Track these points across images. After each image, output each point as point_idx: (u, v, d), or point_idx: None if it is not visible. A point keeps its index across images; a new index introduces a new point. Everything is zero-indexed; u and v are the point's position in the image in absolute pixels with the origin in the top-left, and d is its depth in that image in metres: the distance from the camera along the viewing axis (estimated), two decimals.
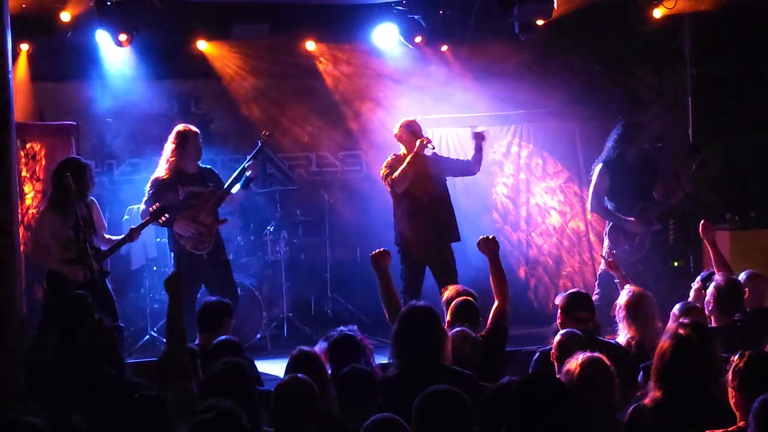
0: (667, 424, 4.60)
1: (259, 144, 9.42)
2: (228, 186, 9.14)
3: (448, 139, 11.28)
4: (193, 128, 9.13)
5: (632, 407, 4.76)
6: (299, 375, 4.98)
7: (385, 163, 9.36)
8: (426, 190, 9.23)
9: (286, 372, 5.66)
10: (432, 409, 4.09)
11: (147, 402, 4.81)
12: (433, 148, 9.29)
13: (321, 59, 11.67)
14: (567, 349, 5.87)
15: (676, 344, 4.78)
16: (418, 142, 9.12)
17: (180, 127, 9.12)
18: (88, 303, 6.55)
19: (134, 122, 11.00)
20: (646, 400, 4.75)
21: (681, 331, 4.86)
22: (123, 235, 8.53)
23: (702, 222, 8.04)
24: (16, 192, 6.76)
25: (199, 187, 9.05)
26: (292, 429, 4.74)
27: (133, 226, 8.60)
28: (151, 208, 8.56)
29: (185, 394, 4.99)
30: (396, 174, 9.13)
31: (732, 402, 4.43)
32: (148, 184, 8.99)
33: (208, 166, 9.35)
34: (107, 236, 8.56)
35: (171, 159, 8.97)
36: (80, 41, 10.41)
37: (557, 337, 6.13)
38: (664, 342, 4.86)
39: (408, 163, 9.12)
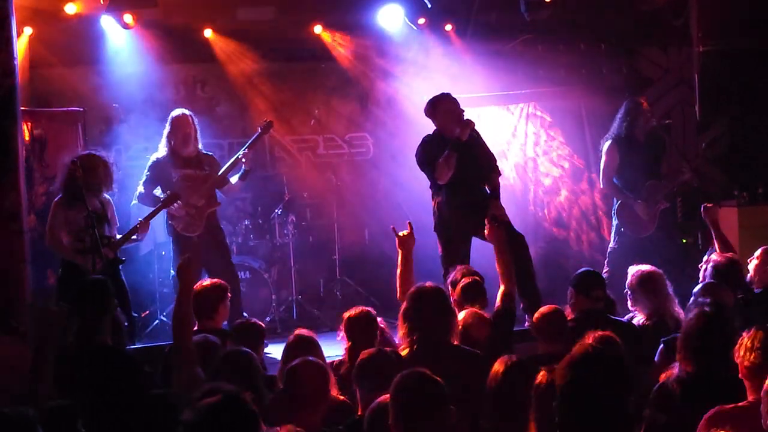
0: (693, 400, 4.62)
1: (258, 132, 9.45)
2: (222, 172, 9.19)
3: None
4: (182, 112, 9.19)
5: (658, 385, 4.80)
6: (311, 358, 5.01)
7: (418, 149, 8.63)
8: (469, 174, 8.57)
9: (283, 357, 5.68)
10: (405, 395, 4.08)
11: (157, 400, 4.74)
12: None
13: (326, 42, 11.64)
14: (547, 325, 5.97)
15: (703, 322, 4.82)
16: (459, 129, 8.43)
17: (174, 111, 9.24)
18: (108, 287, 6.55)
19: (141, 107, 10.97)
20: (672, 378, 4.78)
21: (707, 309, 4.88)
22: (131, 228, 8.57)
23: (703, 205, 8.06)
24: (23, 178, 6.78)
25: (194, 171, 9.12)
26: (307, 412, 4.75)
27: (140, 219, 8.67)
28: (164, 194, 8.70)
29: (192, 379, 4.94)
30: (440, 162, 8.38)
31: (742, 377, 4.42)
32: (147, 167, 9.18)
33: (210, 153, 9.44)
34: (118, 236, 8.59)
35: (166, 142, 9.13)
36: (86, 27, 10.40)
37: (536, 315, 6.17)
38: (690, 319, 4.91)
39: (452, 149, 8.37)
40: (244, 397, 3.64)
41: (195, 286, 7.08)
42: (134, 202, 10.25)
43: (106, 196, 8.54)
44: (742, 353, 4.45)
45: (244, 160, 9.15)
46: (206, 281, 7.30)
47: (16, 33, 6.87)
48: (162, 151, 9.15)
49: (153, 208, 8.87)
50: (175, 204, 8.77)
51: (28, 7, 9.64)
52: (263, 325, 6.53)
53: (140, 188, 9.12)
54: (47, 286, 9.03)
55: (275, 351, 7.80)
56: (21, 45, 9.95)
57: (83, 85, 10.95)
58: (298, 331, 6.00)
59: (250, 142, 9.35)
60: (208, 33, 11.22)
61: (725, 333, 4.78)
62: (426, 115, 8.83)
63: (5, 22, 6.63)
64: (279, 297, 10.60)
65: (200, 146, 9.26)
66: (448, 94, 8.80)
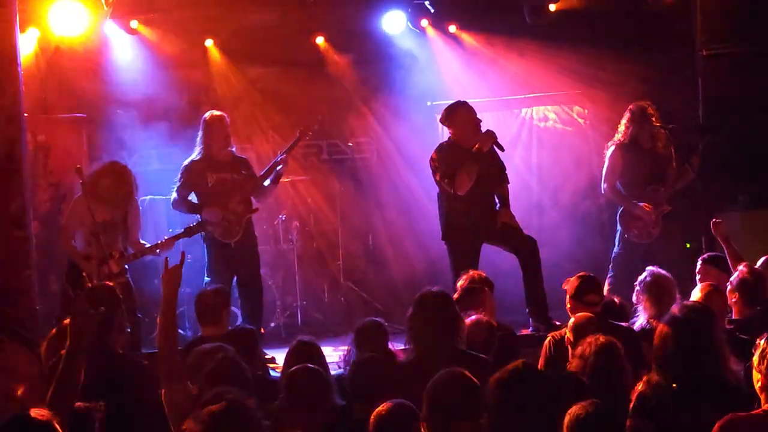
0: (675, 408, 4.55)
1: (297, 137, 9.29)
2: (262, 175, 8.97)
3: None
4: (217, 113, 8.96)
5: (638, 393, 4.68)
6: (309, 365, 5.01)
7: (434, 157, 8.54)
8: (483, 183, 8.49)
9: (286, 362, 5.68)
10: (443, 393, 4.07)
11: None
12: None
13: (330, 47, 11.63)
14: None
15: (675, 328, 4.68)
16: (480, 140, 8.37)
17: (206, 114, 9.01)
18: (116, 295, 6.54)
19: (145, 113, 10.98)
20: (649, 386, 4.66)
21: (678, 314, 4.79)
22: (153, 244, 8.43)
23: (713, 221, 8.07)
24: (28, 185, 6.78)
25: (230, 175, 8.86)
26: (304, 417, 4.75)
27: (165, 237, 8.57)
28: (191, 224, 8.54)
29: (183, 393, 4.70)
30: (462, 174, 8.30)
31: (758, 386, 4.29)
32: (180, 171, 8.90)
33: (244, 156, 9.23)
34: (141, 241, 8.51)
35: (200, 146, 8.86)
36: (90, 33, 10.40)
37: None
38: (663, 327, 4.76)
39: (473, 161, 8.30)
40: (248, 404, 3.61)
41: (200, 294, 7.12)
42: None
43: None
44: (756, 360, 4.30)
45: (280, 166, 8.92)
46: (210, 288, 7.27)
47: (19, 40, 6.88)
48: (194, 155, 8.88)
49: (188, 214, 8.78)
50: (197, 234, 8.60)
51: (31, 14, 9.65)
52: (255, 330, 6.49)
53: (173, 194, 8.81)
54: (50, 292, 9.03)
55: (279, 357, 7.80)
56: (25, 52, 9.97)
57: (87, 92, 10.95)
58: (300, 337, 6.01)
59: (289, 147, 9.19)
60: (211, 39, 11.22)
61: (701, 339, 4.67)
62: (441, 122, 8.80)
63: (9, 29, 6.64)
64: (283, 303, 10.61)
65: (233, 149, 9.01)
66: (465, 102, 8.74)
